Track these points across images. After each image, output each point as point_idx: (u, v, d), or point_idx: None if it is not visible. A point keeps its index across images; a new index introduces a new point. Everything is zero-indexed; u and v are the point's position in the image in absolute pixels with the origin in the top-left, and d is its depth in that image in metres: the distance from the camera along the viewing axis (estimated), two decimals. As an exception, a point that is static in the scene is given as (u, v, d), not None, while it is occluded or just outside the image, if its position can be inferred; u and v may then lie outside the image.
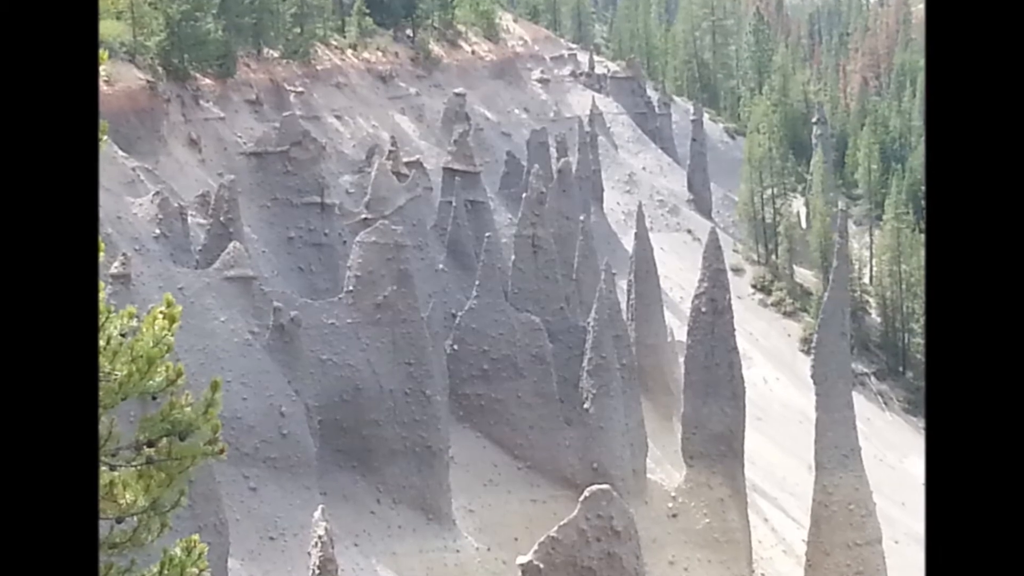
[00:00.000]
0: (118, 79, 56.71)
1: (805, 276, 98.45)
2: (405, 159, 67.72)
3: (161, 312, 10.30)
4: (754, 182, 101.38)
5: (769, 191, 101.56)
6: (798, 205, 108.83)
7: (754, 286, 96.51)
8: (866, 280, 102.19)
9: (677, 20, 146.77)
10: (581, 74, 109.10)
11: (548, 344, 54.12)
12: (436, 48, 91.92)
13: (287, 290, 50.72)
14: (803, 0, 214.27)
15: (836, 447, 50.86)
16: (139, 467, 10.30)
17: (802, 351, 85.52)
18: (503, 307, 54.33)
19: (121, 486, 10.13)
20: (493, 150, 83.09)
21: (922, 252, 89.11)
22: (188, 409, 10.38)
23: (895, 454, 79.07)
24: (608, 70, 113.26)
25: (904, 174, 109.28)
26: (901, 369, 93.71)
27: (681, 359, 58.03)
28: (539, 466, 53.28)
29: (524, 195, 57.98)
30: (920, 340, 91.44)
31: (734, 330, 52.52)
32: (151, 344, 10.08)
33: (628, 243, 73.73)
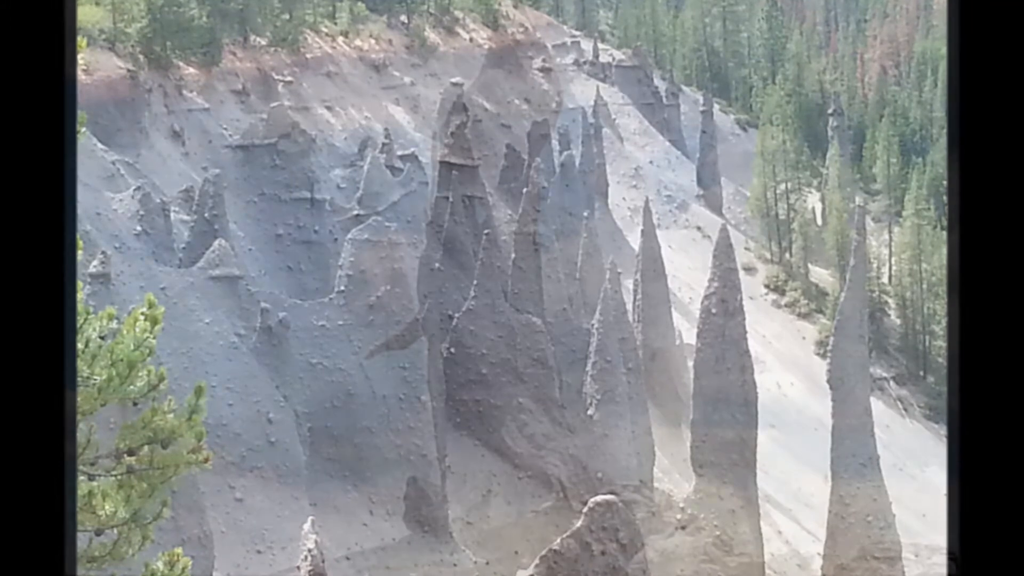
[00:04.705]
0: (97, 68, 56.74)
1: (821, 275, 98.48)
2: (399, 152, 67.76)
3: (142, 313, 10.31)
4: (767, 176, 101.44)
5: (783, 186, 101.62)
6: (813, 201, 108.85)
7: (767, 286, 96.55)
8: (885, 280, 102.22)
9: (686, 6, 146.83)
10: (585, 63, 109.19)
11: (550, 347, 54.15)
12: (432, 35, 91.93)
13: (275, 290, 50.76)
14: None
15: (853, 455, 50.93)
16: (119, 477, 10.30)
17: (817, 354, 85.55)
18: (502, 308, 54.35)
19: (100, 497, 10.13)
20: (492, 143, 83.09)
21: (944, 250, 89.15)
22: (171, 416, 10.39)
23: (915, 463, 79.10)
24: (613, 58, 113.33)
25: (925, 168, 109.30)
26: (922, 373, 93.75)
27: (690, 363, 58.08)
28: (540, 475, 53.32)
29: (525, 190, 58.01)
30: (942, 343, 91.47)
31: (746, 332, 52.57)
32: (132, 347, 10.08)
33: (634, 241, 73.78)
